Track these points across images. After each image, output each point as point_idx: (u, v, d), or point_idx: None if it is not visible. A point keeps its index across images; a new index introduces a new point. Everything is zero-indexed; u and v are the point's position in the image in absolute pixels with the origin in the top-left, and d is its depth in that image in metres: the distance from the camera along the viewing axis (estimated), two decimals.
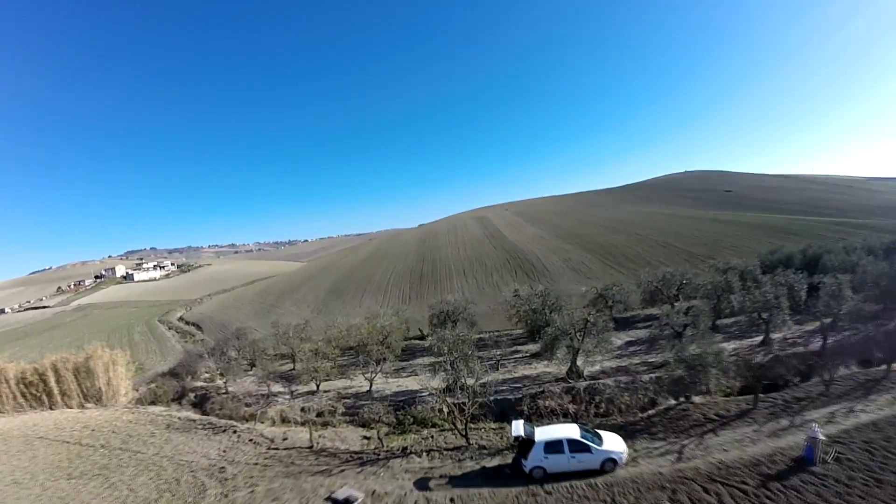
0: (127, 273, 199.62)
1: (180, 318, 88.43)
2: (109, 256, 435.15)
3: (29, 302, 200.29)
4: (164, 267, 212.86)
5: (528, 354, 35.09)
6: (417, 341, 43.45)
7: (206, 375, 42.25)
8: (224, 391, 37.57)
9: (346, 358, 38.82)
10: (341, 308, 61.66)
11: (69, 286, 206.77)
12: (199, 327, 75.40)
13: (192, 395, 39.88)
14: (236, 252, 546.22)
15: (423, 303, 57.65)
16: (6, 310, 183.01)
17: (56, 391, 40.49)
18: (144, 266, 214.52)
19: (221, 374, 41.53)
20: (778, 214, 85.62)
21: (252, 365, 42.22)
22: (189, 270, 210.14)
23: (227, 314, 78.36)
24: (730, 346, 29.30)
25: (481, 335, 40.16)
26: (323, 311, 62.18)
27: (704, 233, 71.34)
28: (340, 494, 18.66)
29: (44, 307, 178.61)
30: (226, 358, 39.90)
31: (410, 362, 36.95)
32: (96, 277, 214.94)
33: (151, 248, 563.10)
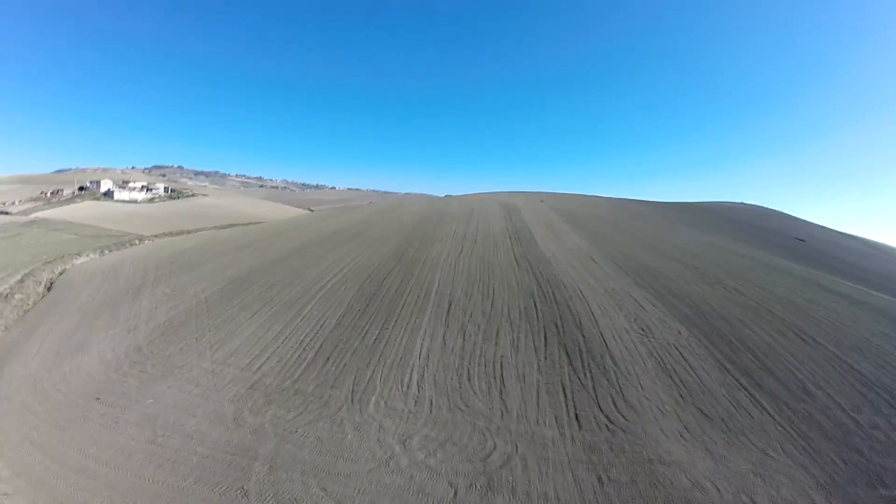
0: (108, 190, 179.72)
1: (61, 273, 62.75)
2: (133, 167, 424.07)
3: (3, 204, 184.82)
4: (153, 189, 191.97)
5: None
6: None
7: None
8: None
9: None
10: (193, 342, 32.72)
11: (47, 194, 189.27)
12: (47, 292, 49.47)
13: None
14: (262, 186, 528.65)
15: (332, 379, 28.48)
16: None
17: None
18: (131, 185, 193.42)
19: None
20: (873, 291, 54.38)
21: None
22: (179, 198, 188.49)
23: (96, 283, 51.53)
24: None
25: None
26: (156, 341, 33.04)
27: (832, 312, 37.72)
28: None
29: (4, 213, 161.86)
30: None
31: None
32: (80, 189, 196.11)
33: (179, 167, 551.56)
